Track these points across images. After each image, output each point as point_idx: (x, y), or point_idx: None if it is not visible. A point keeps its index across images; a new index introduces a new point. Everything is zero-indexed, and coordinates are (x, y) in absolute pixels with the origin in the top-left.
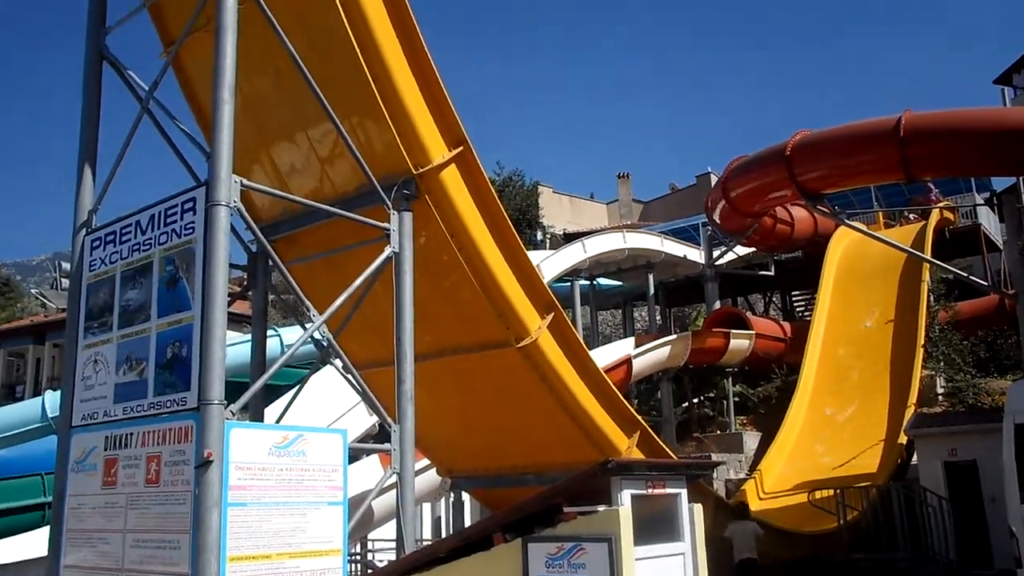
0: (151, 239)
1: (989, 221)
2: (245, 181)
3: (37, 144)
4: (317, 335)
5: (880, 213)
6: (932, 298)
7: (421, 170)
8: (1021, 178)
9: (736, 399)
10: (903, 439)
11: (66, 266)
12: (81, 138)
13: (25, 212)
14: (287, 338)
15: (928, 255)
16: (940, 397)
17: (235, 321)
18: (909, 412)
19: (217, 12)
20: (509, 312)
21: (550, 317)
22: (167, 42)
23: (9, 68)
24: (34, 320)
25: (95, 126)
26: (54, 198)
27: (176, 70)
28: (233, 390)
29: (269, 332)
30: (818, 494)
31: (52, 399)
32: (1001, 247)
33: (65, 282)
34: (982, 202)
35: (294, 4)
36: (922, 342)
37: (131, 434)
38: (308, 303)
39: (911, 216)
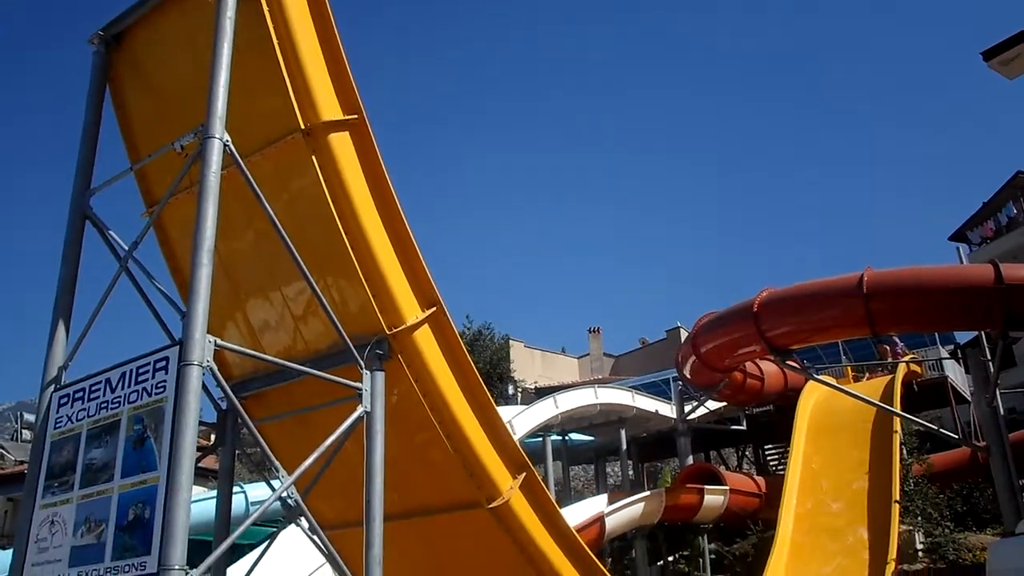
0: (120, 397)
1: (955, 373)
2: (219, 341)
3: (1, 286)
4: (284, 495)
5: (849, 367)
6: (904, 451)
7: (394, 330)
8: (982, 332)
9: (712, 557)
10: None
11: (29, 417)
12: (57, 295)
13: None
14: (253, 495)
15: (898, 408)
16: (920, 553)
17: (200, 475)
18: (889, 569)
19: (200, 178)
20: (480, 472)
21: (522, 477)
22: (150, 202)
23: None
24: None
25: (72, 283)
26: (19, 345)
27: (156, 228)
28: (195, 549)
29: (235, 489)
30: None
31: (0, 559)
32: (969, 399)
33: (27, 434)
34: (947, 355)
35: (275, 167)
36: (897, 496)
37: None
38: (277, 463)
39: (879, 369)
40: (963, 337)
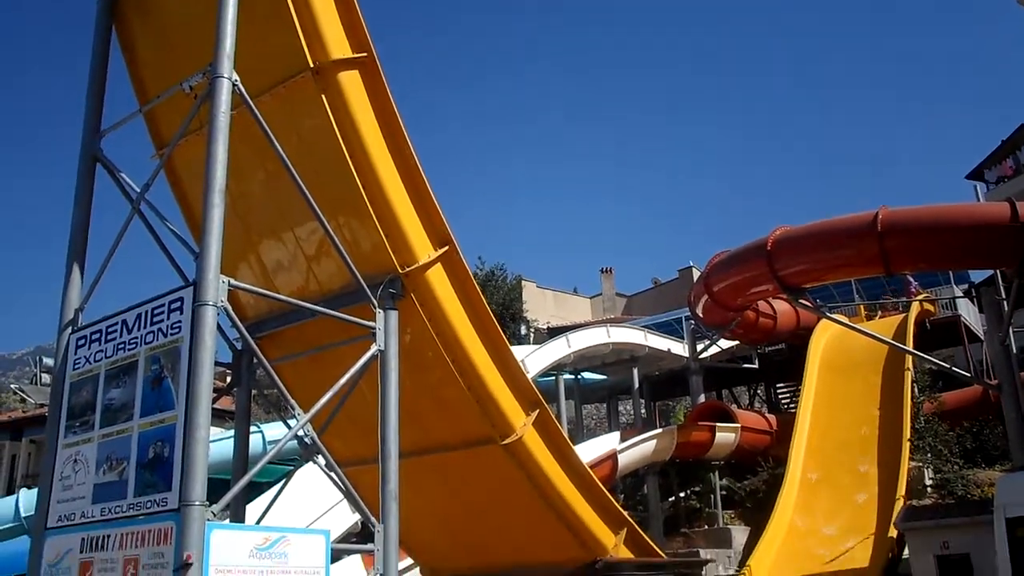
0: (137, 338)
1: (968, 312)
2: (232, 281)
3: (19, 235)
4: (300, 433)
5: (861, 306)
6: (916, 389)
7: (407, 269)
8: (998, 270)
9: (723, 493)
10: (893, 532)
11: (48, 361)
12: (71, 237)
13: (6, 305)
14: (270, 434)
15: (910, 347)
16: (929, 489)
17: (217, 416)
18: (898, 505)
19: (210, 118)
20: (494, 409)
21: (535, 414)
22: (159, 144)
23: None
24: (12, 415)
25: (85, 226)
26: (37, 291)
27: (166, 170)
28: (214, 488)
29: (252, 429)
30: None
31: (26, 497)
32: (981, 337)
33: (46, 377)
34: (961, 294)
35: (285, 107)
36: (908, 434)
37: (108, 536)
38: (293, 401)
39: (892, 308)
40: (977, 276)
